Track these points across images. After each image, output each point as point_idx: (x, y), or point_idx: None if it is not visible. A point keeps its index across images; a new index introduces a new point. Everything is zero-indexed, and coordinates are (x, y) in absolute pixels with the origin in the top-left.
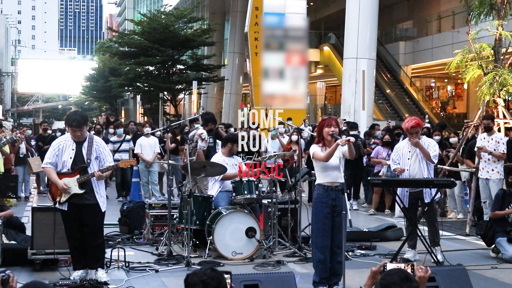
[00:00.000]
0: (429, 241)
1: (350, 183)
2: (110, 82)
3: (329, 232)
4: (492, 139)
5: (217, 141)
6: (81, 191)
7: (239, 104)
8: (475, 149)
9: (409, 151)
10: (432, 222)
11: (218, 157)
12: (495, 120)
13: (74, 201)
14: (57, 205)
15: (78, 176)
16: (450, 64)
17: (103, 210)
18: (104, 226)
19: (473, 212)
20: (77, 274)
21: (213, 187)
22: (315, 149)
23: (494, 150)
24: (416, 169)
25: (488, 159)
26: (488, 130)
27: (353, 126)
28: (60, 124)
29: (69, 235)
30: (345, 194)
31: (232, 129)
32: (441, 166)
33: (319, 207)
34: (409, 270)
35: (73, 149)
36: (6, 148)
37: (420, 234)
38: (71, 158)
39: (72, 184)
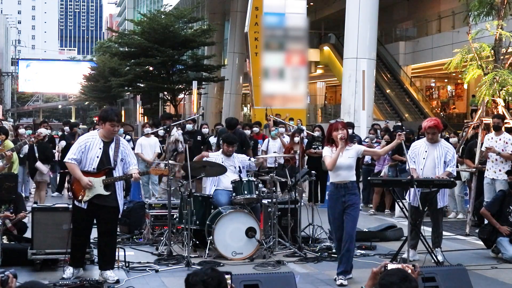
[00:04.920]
0: (431, 242)
1: None
2: (110, 82)
3: (343, 227)
4: (500, 139)
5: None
6: (107, 193)
7: (239, 104)
8: (483, 149)
9: (425, 151)
10: (437, 224)
11: (217, 156)
12: (505, 120)
13: (95, 201)
14: (76, 202)
15: (104, 177)
16: (449, 63)
17: (120, 212)
18: None
19: (473, 212)
20: (71, 272)
21: (209, 187)
22: (326, 153)
23: (502, 150)
24: (430, 170)
25: (496, 159)
26: (497, 129)
27: (348, 125)
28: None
29: (76, 232)
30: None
31: (256, 129)
32: None
33: (332, 205)
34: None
35: (100, 148)
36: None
37: (421, 235)
38: (98, 157)
39: (97, 185)
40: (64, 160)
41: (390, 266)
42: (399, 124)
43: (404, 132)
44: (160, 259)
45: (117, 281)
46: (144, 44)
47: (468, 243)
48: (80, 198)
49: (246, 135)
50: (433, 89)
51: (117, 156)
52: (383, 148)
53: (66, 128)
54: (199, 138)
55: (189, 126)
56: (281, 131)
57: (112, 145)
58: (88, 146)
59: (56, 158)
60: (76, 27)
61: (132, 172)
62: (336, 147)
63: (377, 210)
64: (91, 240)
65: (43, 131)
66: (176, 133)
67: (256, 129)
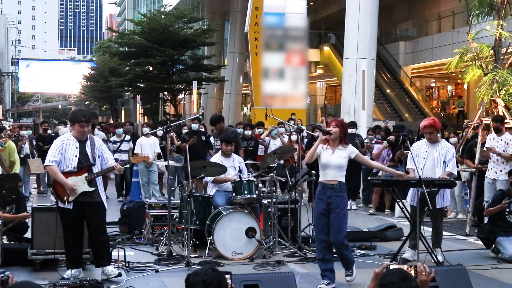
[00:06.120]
0: (431, 242)
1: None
2: (110, 82)
3: (326, 228)
4: (501, 140)
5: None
6: (92, 189)
7: (239, 104)
8: (484, 149)
9: (426, 151)
10: (437, 224)
11: (216, 157)
12: (505, 120)
13: (80, 200)
14: (60, 204)
15: (86, 174)
16: (449, 64)
17: (106, 207)
18: None
19: (473, 212)
20: (70, 273)
21: (211, 188)
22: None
23: (503, 151)
24: (430, 170)
25: (497, 160)
26: (497, 132)
27: (350, 124)
28: None
29: (67, 233)
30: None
31: (260, 130)
32: None
33: (317, 204)
34: (412, 272)
35: (77, 147)
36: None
37: (421, 235)
38: (76, 156)
39: (81, 183)
40: (45, 164)
41: (392, 267)
42: (388, 123)
43: (393, 137)
44: (160, 259)
45: (119, 274)
46: (144, 44)
47: (468, 243)
48: (65, 198)
49: (238, 134)
50: (433, 89)
51: (95, 153)
52: (377, 164)
53: None
54: (203, 138)
55: (194, 126)
56: (281, 131)
57: (88, 143)
58: (65, 146)
59: None
60: (76, 27)
61: (114, 164)
62: (329, 144)
63: (377, 210)
64: None
65: (65, 129)
66: (101, 133)
67: (260, 130)
